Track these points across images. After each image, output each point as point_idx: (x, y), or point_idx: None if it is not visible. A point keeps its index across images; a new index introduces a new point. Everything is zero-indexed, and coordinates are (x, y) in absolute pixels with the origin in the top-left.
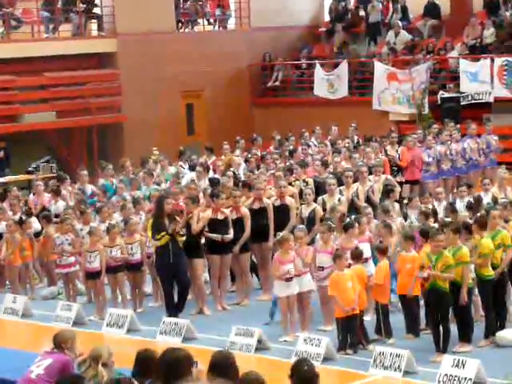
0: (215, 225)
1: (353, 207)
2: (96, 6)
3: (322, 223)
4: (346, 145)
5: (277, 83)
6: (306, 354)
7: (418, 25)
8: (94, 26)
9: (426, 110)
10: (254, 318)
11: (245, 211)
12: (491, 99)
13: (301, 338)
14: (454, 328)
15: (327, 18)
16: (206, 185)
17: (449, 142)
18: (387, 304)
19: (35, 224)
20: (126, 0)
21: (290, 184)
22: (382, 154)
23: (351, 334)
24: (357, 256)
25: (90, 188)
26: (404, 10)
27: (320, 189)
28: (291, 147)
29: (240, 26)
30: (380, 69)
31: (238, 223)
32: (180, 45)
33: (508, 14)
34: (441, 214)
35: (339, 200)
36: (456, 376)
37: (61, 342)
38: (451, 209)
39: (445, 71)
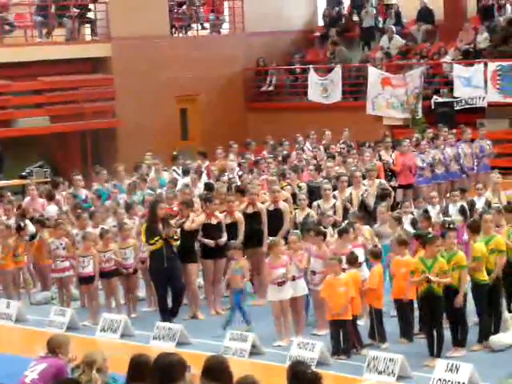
0: (209, 229)
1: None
2: (89, 10)
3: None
4: (339, 150)
5: (271, 88)
6: (300, 358)
7: (411, 30)
8: (87, 30)
9: (420, 115)
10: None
11: (239, 216)
12: (485, 104)
13: (295, 342)
14: (447, 332)
15: (321, 23)
16: (201, 190)
17: (442, 147)
18: (381, 308)
19: (30, 227)
20: (119, 5)
21: (282, 188)
22: (376, 159)
23: (344, 339)
24: (352, 261)
25: (84, 193)
26: (397, 14)
27: (314, 193)
28: (285, 152)
29: (234, 31)
30: (374, 74)
31: (232, 228)
32: (174, 49)
33: (501, 19)
34: (434, 219)
35: (334, 205)
36: (449, 380)
37: (55, 347)
38: (425, 216)
39: (438, 76)
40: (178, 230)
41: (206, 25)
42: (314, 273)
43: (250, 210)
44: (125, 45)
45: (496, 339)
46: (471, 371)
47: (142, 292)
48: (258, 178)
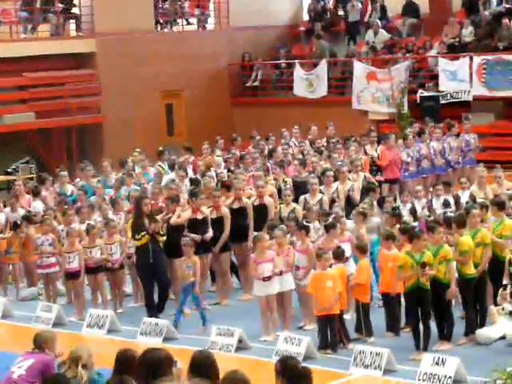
0: (195, 225)
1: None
2: (74, 5)
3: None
4: (325, 144)
5: (256, 83)
6: (287, 353)
7: (396, 24)
8: (72, 26)
9: (406, 109)
10: (235, 318)
11: (225, 211)
12: (470, 98)
13: (281, 337)
14: (433, 326)
15: (306, 17)
16: (187, 185)
17: (428, 141)
18: (368, 303)
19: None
20: (104, 0)
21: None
22: (362, 154)
23: (331, 333)
24: (339, 255)
25: (69, 188)
26: (383, 9)
27: (299, 188)
28: (271, 147)
29: (219, 26)
30: (359, 68)
31: (218, 223)
32: (159, 45)
33: (486, 12)
34: (419, 213)
35: (321, 200)
36: (436, 374)
37: (41, 343)
38: (394, 213)
39: (424, 70)
40: (165, 226)
41: (192, 20)
42: (297, 267)
43: (235, 205)
44: (110, 40)
45: (482, 332)
46: (457, 364)
47: (128, 287)
48: (244, 174)
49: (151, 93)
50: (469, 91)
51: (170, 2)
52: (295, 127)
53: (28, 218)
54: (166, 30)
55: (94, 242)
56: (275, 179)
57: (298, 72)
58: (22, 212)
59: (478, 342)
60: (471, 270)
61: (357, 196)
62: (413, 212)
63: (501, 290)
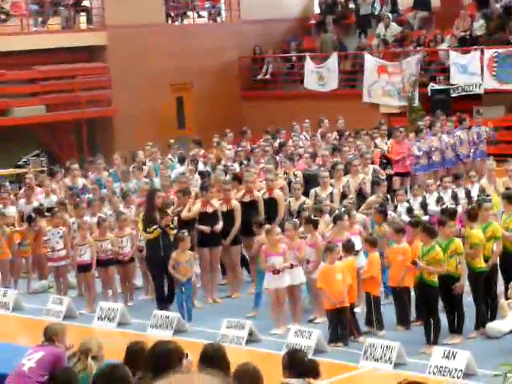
0: (205, 218)
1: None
2: None
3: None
4: (337, 137)
5: (267, 76)
6: (297, 346)
7: (407, 17)
8: (83, 18)
9: (417, 103)
10: (245, 311)
11: (235, 204)
12: (481, 91)
13: (292, 330)
14: (443, 319)
15: (317, 10)
16: (197, 179)
17: (439, 134)
18: (379, 296)
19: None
20: None
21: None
22: (372, 147)
23: (341, 327)
24: (349, 248)
25: (80, 182)
26: (394, 2)
27: (309, 182)
28: (281, 140)
29: (230, 19)
30: (370, 61)
31: (228, 216)
32: (169, 38)
33: (498, 5)
34: (431, 206)
35: (331, 193)
36: (446, 367)
37: (52, 335)
38: (379, 210)
39: (435, 63)
40: (175, 219)
41: (202, 13)
42: (307, 261)
43: (246, 199)
44: (121, 33)
45: (493, 326)
46: (468, 358)
47: (139, 280)
48: (255, 167)
49: (162, 86)
50: (480, 84)
51: None
52: (306, 121)
53: (39, 211)
54: (176, 23)
55: (105, 235)
56: (285, 173)
57: (309, 65)
58: (36, 204)
59: (488, 336)
60: (481, 263)
61: (368, 189)
62: (423, 206)
63: (511, 283)
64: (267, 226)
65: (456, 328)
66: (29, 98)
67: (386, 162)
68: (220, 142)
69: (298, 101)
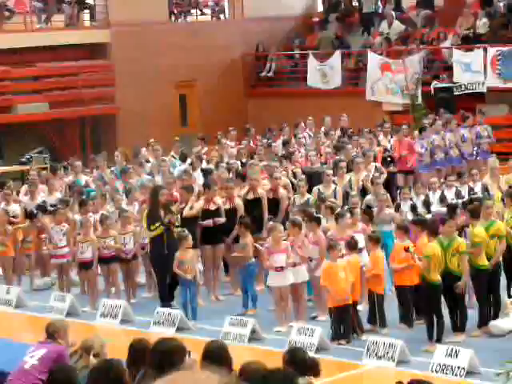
0: (208, 215)
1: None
2: None
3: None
4: (340, 134)
5: (270, 74)
6: (300, 344)
7: (411, 15)
8: (86, 16)
9: (420, 101)
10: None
11: (238, 202)
12: (484, 89)
13: (294, 328)
14: (446, 317)
15: (320, 8)
16: (200, 175)
17: (443, 133)
18: (383, 294)
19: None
20: None
21: None
22: (375, 145)
23: (344, 324)
24: (352, 246)
25: (83, 178)
26: (397, 0)
27: (312, 179)
28: (285, 137)
29: (233, 17)
30: (374, 59)
31: (231, 214)
32: (173, 35)
33: (501, 4)
34: (435, 205)
35: (335, 190)
36: (449, 365)
37: (53, 332)
38: (366, 210)
39: (438, 61)
40: (179, 216)
41: (206, 10)
42: (310, 259)
43: (250, 196)
44: (124, 31)
45: (495, 324)
46: (471, 356)
47: (141, 278)
48: (258, 164)
49: (165, 83)
50: (483, 82)
51: None
52: (309, 118)
53: (42, 208)
54: (180, 21)
55: (108, 232)
56: (285, 171)
57: (312, 63)
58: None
59: (491, 334)
60: (484, 262)
61: (370, 187)
62: (426, 204)
63: None
64: (270, 224)
65: (459, 326)
66: (32, 95)
67: (389, 160)
68: (221, 139)
69: (302, 98)
